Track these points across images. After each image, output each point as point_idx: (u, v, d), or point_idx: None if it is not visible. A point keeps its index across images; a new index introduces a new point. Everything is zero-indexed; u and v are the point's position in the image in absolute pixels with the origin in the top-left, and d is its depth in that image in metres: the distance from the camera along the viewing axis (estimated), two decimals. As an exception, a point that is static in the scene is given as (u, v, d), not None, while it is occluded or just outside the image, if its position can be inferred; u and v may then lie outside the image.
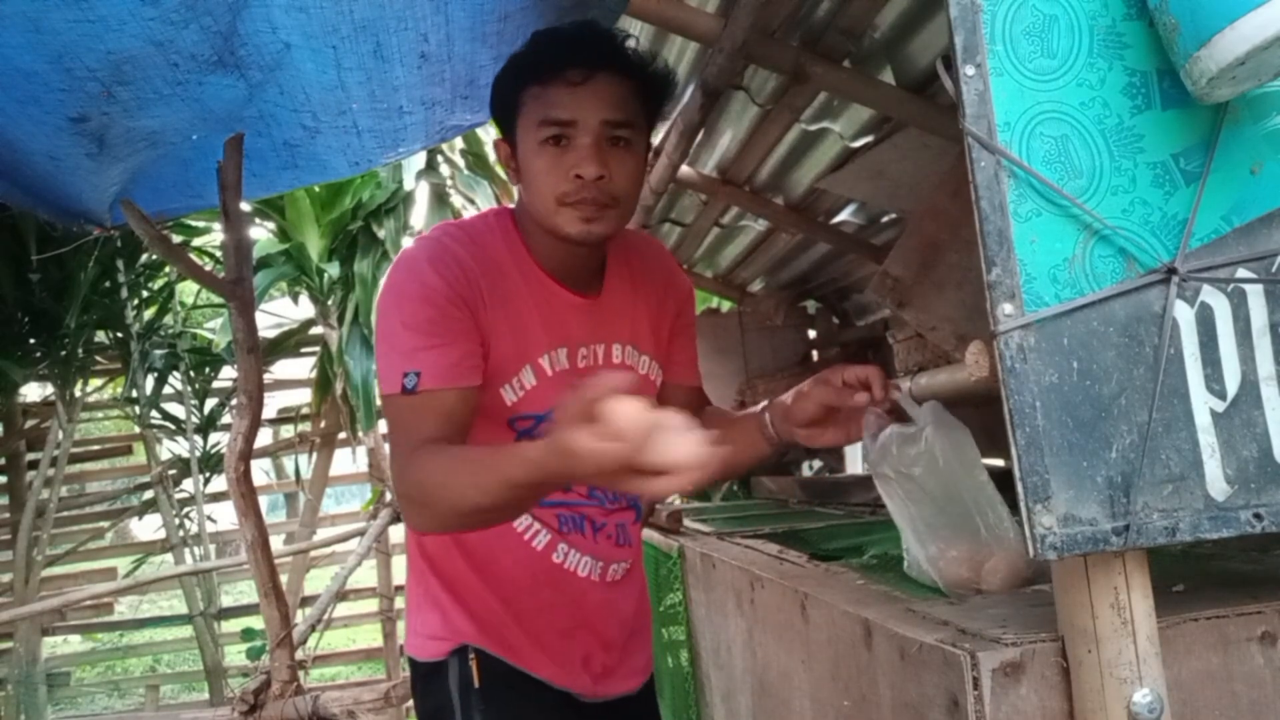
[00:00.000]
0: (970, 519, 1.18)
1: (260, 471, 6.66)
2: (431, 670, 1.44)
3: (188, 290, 6.30)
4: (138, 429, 5.94)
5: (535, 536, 1.43)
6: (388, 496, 5.11)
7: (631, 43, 1.37)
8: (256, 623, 5.24)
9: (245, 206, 2.77)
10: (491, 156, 5.33)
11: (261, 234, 5.20)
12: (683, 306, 1.60)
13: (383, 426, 5.29)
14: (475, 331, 1.31)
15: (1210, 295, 0.90)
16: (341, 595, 5.05)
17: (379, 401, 5.09)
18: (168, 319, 5.82)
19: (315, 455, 5.87)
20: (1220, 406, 0.90)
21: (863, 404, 1.29)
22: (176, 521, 5.81)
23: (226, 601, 6.30)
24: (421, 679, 1.46)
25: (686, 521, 2.69)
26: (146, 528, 6.90)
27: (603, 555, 1.48)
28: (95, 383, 6.12)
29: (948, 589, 1.22)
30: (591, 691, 1.50)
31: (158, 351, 5.65)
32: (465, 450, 1.24)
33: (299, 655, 3.60)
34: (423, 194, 5.22)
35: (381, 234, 5.06)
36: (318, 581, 5.93)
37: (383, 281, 1.39)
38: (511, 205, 1.46)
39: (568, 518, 1.45)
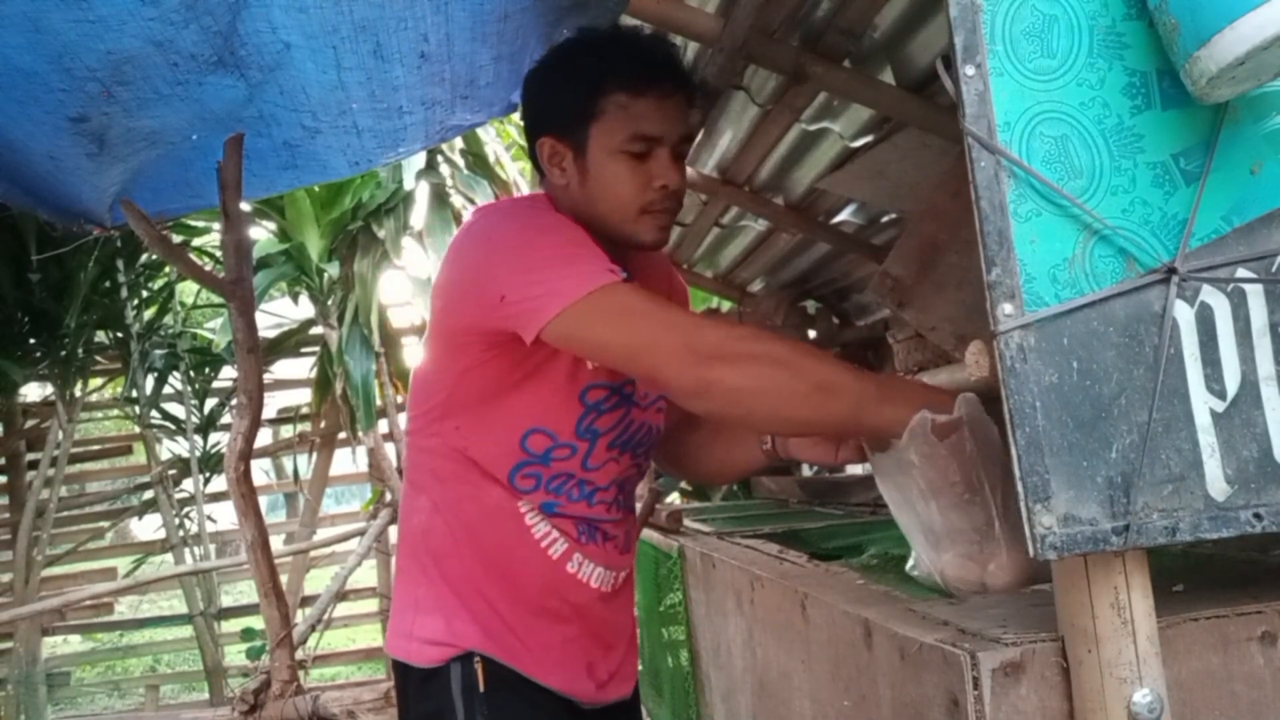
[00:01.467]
0: (985, 514, 1.18)
1: (260, 471, 6.65)
2: (430, 674, 1.42)
3: (188, 290, 6.30)
4: (138, 429, 5.94)
5: (552, 545, 1.43)
6: (388, 496, 5.11)
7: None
8: (256, 623, 5.24)
9: (245, 206, 2.77)
10: (491, 157, 5.33)
11: (261, 234, 5.20)
12: (681, 306, 1.63)
13: (383, 426, 5.30)
14: None
15: (1210, 295, 0.90)
16: (341, 595, 5.06)
17: (380, 401, 5.12)
18: (168, 319, 5.82)
19: (315, 455, 5.87)
20: (1220, 406, 0.90)
21: None
22: (176, 521, 5.81)
23: (226, 601, 6.30)
24: (417, 683, 1.43)
25: (686, 521, 2.69)
26: (146, 528, 6.90)
27: (612, 565, 1.49)
28: (95, 383, 6.12)
29: (951, 588, 1.22)
30: (593, 698, 1.49)
31: (158, 351, 5.65)
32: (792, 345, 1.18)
33: (299, 655, 3.61)
34: (423, 194, 5.21)
35: (381, 234, 5.05)
36: (318, 581, 5.94)
37: (485, 232, 1.32)
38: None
39: (586, 529, 1.45)
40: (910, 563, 1.33)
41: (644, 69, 1.33)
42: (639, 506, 2.65)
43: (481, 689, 1.40)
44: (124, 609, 7.34)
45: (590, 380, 1.36)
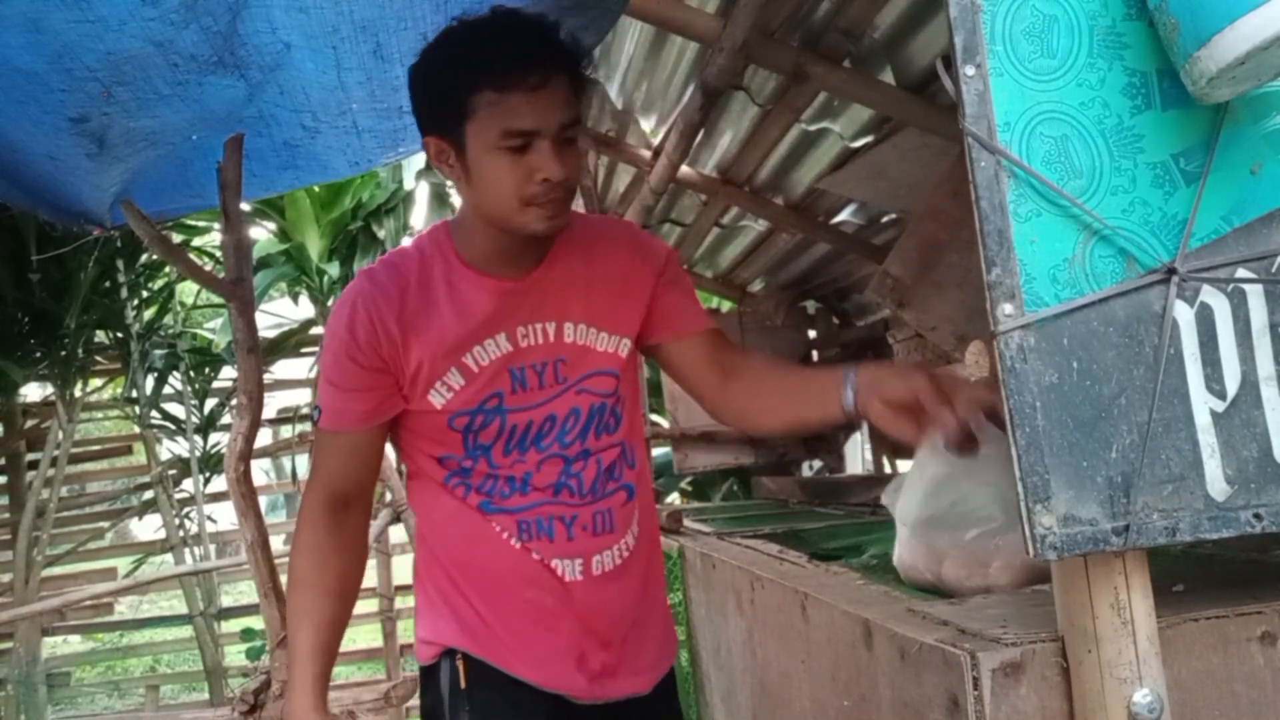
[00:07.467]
0: (988, 510, 1.17)
1: (260, 471, 6.66)
2: (426, 672, 1.49)
3: (188, 290, 6.30)
4: (138, 429, 5.94)
5: (513, 537, 1.42)
6: (388, 496, 5.11)
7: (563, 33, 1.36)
8: (256, 623, 5.24)
9: (245, 206, 2.77)
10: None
11: (261, 234, 5.20)
12: (663, 267, 1.52)
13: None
14: (376, 379, 1.40)
15: (1210, 295, 0.90)
16: (341, 595, 5.04)
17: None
18: (168, 319, 5.83)
19: (315, 455, 5.86)
20: (1220, 406, 0.90)
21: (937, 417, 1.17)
22: (176, 521, 5.81)
23: (226, 601, 6.30)
24: (421, 681, 1.52)
25: (686, 521, 2.69)
26: (146, 528, 6.91)
27: (581, 551, 1.43)
28: (95, 383, 6.12)
29: (953, 588, 1.22)
30: (588, 693, 1.45)
31: (158, 351, 5.66)
32: (322, 548, 1.52)
33: (299, 655, 3.59)
34: (422, 194, 5.22)
35: (381, 234, 5.06)
36: (318, 581, 5.92)
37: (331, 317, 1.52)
38: None
39: (528, 524, 1.42)
40: (901, 574, 1.33)
41: (509, 63, 1.29)
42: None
43: (463, 685, 1.42)
44: (124, 609, 7.34)
45: (447, 413, 1.40)
